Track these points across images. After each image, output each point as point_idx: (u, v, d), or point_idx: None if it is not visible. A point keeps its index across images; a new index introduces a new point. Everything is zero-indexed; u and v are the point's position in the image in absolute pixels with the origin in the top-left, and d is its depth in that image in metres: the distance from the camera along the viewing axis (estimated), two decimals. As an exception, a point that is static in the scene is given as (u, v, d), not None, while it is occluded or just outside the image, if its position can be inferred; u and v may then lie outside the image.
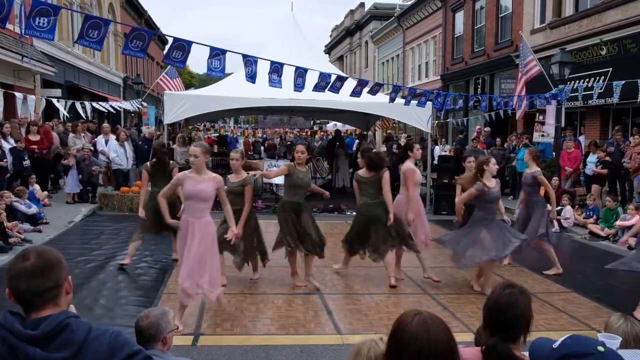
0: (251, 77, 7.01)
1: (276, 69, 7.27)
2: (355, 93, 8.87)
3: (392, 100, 10.06)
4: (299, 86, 7.78)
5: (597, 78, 12.96)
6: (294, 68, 7.59)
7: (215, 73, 6.61)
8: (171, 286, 6.38)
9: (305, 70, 7.68)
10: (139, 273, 6.90)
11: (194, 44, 6.15)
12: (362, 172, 6.71)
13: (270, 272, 6.77)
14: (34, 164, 11.24)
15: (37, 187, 10.74)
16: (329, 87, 8.24)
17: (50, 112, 15.01)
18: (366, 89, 9.06)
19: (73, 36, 20.57)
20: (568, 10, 15.69)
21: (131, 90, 24.88)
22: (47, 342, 1.67)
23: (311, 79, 8.06)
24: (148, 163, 7.42)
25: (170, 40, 6.14)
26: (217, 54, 6.51)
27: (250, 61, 6.97)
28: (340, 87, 8.42)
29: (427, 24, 26.95)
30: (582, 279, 7.17)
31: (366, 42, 39.27)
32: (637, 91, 10.20)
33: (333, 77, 8.33)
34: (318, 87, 8.20)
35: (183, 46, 6.15)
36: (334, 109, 14.33)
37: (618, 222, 9.48)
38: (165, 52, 6.68)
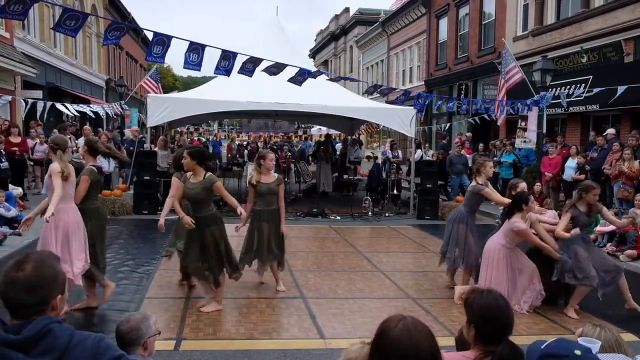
0: (226, 71, 6.98)
1: (253, 60, 7.33)
2: (297, 82, 8.46)
3: (383, 94, 10.31)
4: (247, 70, 7.53)
5: (578, 85, 13.18)
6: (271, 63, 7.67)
7: (192, 66, 6.52)
8: (153, 290, 6.33)
9: (285, 65, 7.72)
10: (121, 277, 6.81)
11: (175, 41, 6.17)
12: None
13: (253, 276, 6.73)
14: (13, 166, 11.06)
15: (18, 189, 10.55)
16: (307, 76, 8.32)
17: (30, 114, 14.79)
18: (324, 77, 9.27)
19: (54, 39, 20.34)
20: (550, 18, 15.93)
21: (114, 93, 24.66)
22: (29, 347, 1.66)
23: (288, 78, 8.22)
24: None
25: (151, 35, 6.14)
26: (195, 47, 6.49)
27: (229, 55, 6.96)
28: (315, 76, 8.60)
29: (412, 30, 27.17)
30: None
31: (351, 47, 39.43)
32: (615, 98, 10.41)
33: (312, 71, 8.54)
34: (294, 80, 8.29)
35: (163, 41, 6.14)
36: (319, 113, 14.36)
37: (598, 228, 9.61)
38: (147, 50, 6.56)
